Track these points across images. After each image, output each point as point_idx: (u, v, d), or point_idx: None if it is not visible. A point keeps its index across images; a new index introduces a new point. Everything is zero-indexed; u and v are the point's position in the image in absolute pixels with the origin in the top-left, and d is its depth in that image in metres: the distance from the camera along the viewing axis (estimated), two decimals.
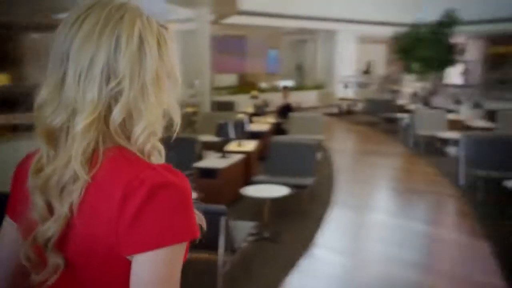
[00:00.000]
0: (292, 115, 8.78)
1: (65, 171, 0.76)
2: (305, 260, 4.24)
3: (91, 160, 0.77)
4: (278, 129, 8.75)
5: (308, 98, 14.57)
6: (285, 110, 9.35)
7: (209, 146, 6.47)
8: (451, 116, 9.80)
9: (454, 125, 9.41)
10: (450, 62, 13.71)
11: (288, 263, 4.12)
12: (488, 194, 5.85)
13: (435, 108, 11.24)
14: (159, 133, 0.82)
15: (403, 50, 13.88)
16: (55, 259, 0.76)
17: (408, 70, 14.38)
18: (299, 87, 16.14)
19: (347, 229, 5.34)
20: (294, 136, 7.92)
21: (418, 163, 8.26)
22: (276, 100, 10.41)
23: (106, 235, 0.73)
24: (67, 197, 0.76)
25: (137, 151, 0.79)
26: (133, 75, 0.77)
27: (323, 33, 17.16)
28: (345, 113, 14.83)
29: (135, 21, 0.79)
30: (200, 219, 0.81)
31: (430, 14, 13.52)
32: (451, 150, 7.48)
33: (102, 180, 0.75)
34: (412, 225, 5.25)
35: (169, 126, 0.85)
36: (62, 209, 0.75)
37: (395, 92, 15.99)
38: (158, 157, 0.83)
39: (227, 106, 10.28)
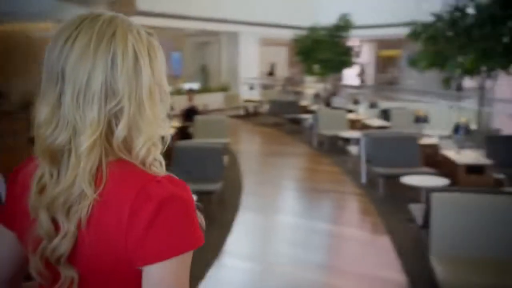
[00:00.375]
0: (197, 118, 8.57)
1: (71, 191, 0.77)
2: (214, 269, 4.08)
3: (95, 177, 0.78)
4: (183, 133, 8.49)
5: (213, 100, 14.43)
6: (190, 113, 9.11)
7: None
8: (351, 116, 10.23)
9: (354, 124, 9.83)
10: (347, 64, 14.36)
11: (196, 274, 3.92)
12: (387, 190, 6.13)
13: (336, 108, 11.69)
14: (159, 145, 0.84)
15: (303, 53, 14.29)
16: (68, 273, 0.79)
17: (309, 71, 14.83)
18: (204, 90, 15.95)
19: (255, 233, 5.27)
20: (199, 140, 7.72)
21: (322, 163, 8.49)
22: (180, 103, 10.13)
23: (115, 249, 0.76)
24: (74, 214, 0.77)
25: (139, 163, 0.81)
26: (131, 92, 0.79)
27: (226, 35, 17.15)
28: (251, 115, 14.93)
29: (127, 36, 0.80)
30: (201, 221, 0.86)
31: (327, 18, 14.13)
32: (353, 149, 7.78)
33: (109, 196, 0.77)
34: (317, 225, 5.33)
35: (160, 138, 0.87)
36: (69, 226, 0.77)
37: (298, 93, 16.43)
38: (160, 168, 0.83)
39: None
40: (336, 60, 13.96)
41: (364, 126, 9.44)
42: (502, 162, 5.91)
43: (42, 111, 0.80)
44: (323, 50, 13.77)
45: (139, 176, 0.79)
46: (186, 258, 0.78)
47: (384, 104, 11.18)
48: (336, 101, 13.40)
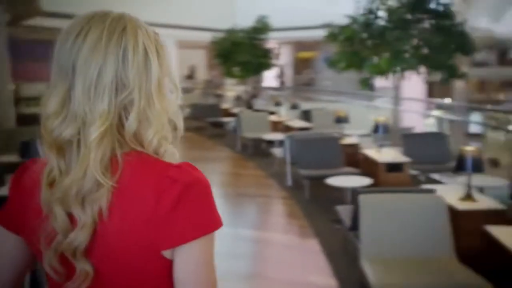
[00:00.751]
0: None
1: (83, 182, 0.78)
2: None
3: (110, 166, 0.79)
4: None
5: None
6: None
7: (13, 169, 5.42)
8: (273, 118, 10.23)
9: (277, 126, 9.84)
10: (267, 66, 14.46)
11: None
12: (313, 192, 6.13)
13: (258, 110, 11.67)
14: (170, 137, 0.86)
15: (222, 55, 14.17)
16: (84, 267, 0.79)
17: (228, 74, 14.74)
18: None
19: None
20: None
21: (247, 167, 8.37)
22: None
23: (140, 234, 0.78)
24: (90, 205, 0.78)
25: (153, 154, 0.83)
26: (141, 86, 0.81)
27: None
28: None
29: (137, 31, 0.83)
30: None
31: (245, 21, 14.12)
32: (277, 151, 7.74)
33: (128, 183, 0.79)
34: (243, 232, 5.17)
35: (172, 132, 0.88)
36: (86, 218, 0.78)
37: (219, 96, 16.27)
38: (172, 160, 0.85)
39: (37, 120, 8.98)
40: (256, 62, 14.00)
41: (286, 128, 9.47)
42: (418, 159, 6.15)
43: (51, 103, 0.81)
44: (242, 52, 13.75)
45: (157, 163, 0.82)
46: (210, 240, 0.82)
47: (305, 105, 11.34)
48: (258, 103, 13.42)
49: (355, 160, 6.68)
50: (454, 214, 3.66)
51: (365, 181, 5.37)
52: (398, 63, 7.24)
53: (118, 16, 0.84)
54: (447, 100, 11.48)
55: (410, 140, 6.71)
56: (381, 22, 7.52)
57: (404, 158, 6.09)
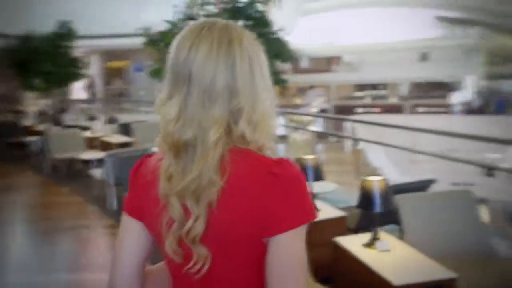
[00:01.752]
0: None
1: (201, 180, 0.89)
2: None
3: (221, 166, 0.89)
4: None
5: None
6: None
7: None
8: (87, 134, 9.11)
9: (93, 143, 8.77)
10: (74, 76, 13.14)
11: None
12: None
13: (69, 126, 10.32)
14: (273, 135, 0.97)
15: (19, 65, 12.34)
16: (201, 251, 0.91)
17: (28, 86, 12.92)
18: None
19: None
20: None
21: (60, 193, 7.14)
22: None
23: (245, 224, 0.89)
24: (203, 200, 0.89)
25: (257, 151, 0.93)
26: (248, 92, 0.91)
27: None
28: None
29: (242, 40, 0.93)
30: None
31: (44, 26, 12.53)
32: (96, 172, 6.74)
33: (236, 180, 0.89)
34: (56, 278, 4.20)
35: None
36: (199, 211, 0.89)
37: (18, 112, 14.10)
38: (274, 156, 0.94)
39: None
40: (61, 73, 12.57)
41: (104, 144, 8.47)
42: None
43: (171, 110, 0.91)
44: (43, 61, 12.20)
45: (261, 160, 0.91)
46: (303, 232, 0.91)
47: (123, 118, 10.44)
48: (67, 118, 11.94)
49: None
50: None
51: None
52: None
53: (224, 26, 0.93)
54: None
55: None
56: None
57: None
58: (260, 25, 7.23)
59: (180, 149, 0.92)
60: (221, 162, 0.90)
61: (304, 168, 3.84)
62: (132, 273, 1.04)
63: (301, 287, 0.90)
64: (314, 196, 3.87)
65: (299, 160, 3.93)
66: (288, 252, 0.90)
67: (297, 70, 22.74)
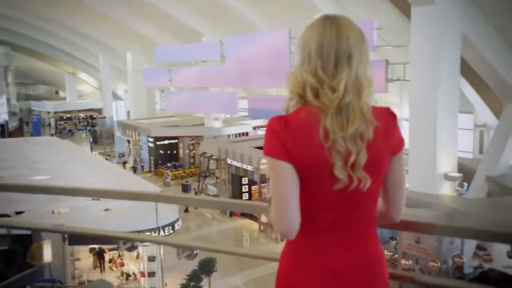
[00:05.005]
0: None
1: (361, 126, 1.45)
2: None
3: (369, 115, 1.49)
4: None
5: None
6: None
7: None
8: None
9: None
10: None
11: None
12: None
13: None
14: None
15: None
16: (363, 174, 1.46)
17: None
18: None
19: None
20: None
21: None
22: None
23: (387, 150, 1.53)
24: (364, 139, 1.46)
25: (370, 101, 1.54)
26: (366, 63, 1.51)
27: None
28: None
29: (353, 25, 1.51)
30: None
31: None
32: None
33: (377, 122, 1.49)
34: None
35: None
36: (361, 147, 1.45)
37: None
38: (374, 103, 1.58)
39: None
40: None
41: None
42: None
43: (341, 83, 1.44)
44: None
45: (381, 109, 1.56)
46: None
47: None
48: None
49: None
50: None
51: None
52: None
53: (342, 16, 1.52)
54: None
55: None
56: None
57: None
58: None
59: (341, 109, 1.44)
60: (369, 112, 1.47)
61: None
62: (298, 217, 1.49)
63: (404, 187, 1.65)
64: None
65: None
66: (401, 164, 1.58)
67: None
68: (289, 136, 1.45)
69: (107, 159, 32.04)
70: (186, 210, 21.11)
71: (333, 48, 1.46)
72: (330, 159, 1.44)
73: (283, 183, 1.45)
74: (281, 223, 1.47)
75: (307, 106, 1.48)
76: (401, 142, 1.56)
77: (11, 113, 43.77)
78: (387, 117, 1.54)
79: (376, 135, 1.47)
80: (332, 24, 1.48)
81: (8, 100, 43.26)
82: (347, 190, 1.46)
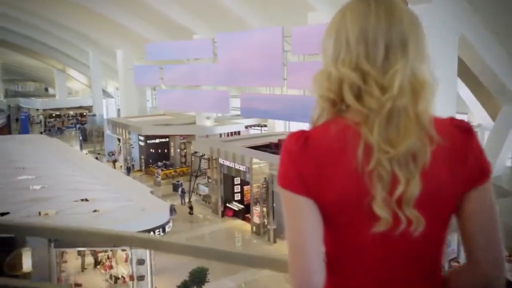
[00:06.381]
0: None
1: (416, 143, 0.97)
2: None
3: (429, 129, 1.00)
4: None
5: None
6: None
7: None
8: None
9: None
10: None
11: None
12: None
13: None
14: None
15: None
16: (416, 215, 0.98)
17: None
18: None
19: None
20: None
21: None
22: None
23: (451, 181, 1.01)
24: (419, 162, 0.97)
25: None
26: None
27: None
28: None
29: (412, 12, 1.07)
30: None
31: None
32: None
33: (444, 142, 0.99)
34: None
35: None
36: (413, 173, 0.97)
37: None
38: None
39: None
40: None
41: None
42: None
43: (395, 78, 0.98)
44: None
45: (450, 120, 1.06)
46: (491, 185, 1.07)
47: None
48: None
49: None
50: None
51: None
52: None
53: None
54: None
55: None
56: None
57: None
58: None
59: (392, 115, 0.97)
60: (430, 124, 0.99)
61: None
62: (321, 271, 1.05)
63: (499, 231, 1.03)
64: None
65: None
66: (487, 200, 1.03)
67: None
68: (309, 160, 1.03)
69: (97, 158, 31.53)
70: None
71: (382, 33, 1.01)
72: (369, 190, 1.00)
73: (301, 225, 1.04)
74: (298, 279, 1.04)
75: (341, 118, 1.06)
76: (484, 170, 1.05)
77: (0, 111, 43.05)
78: (458, 133, 1.04)
79: (437, 158, 1.00)
80: (378, 3, 1.04)
81: None
82: (392, 234, 1.01)
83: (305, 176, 1.04)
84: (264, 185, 18.59)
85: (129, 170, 29.21)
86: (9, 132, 40.01)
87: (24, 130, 42.89)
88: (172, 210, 19.16)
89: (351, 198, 1.01)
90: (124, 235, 2.07)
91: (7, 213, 12.50)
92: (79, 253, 15.06)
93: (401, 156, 0.98)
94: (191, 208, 21.43)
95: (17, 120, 48.76)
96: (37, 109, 52.14)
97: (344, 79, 1.02)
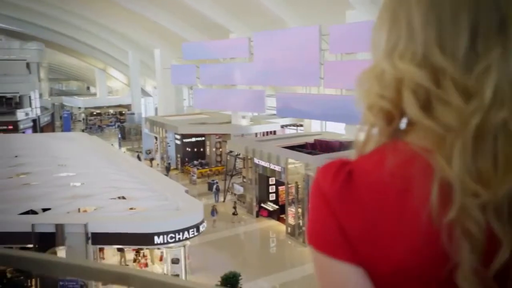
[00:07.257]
0: None
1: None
2: None
3: None
4: None
5: None
6: None
7: None
8: None
9: None
10: None
11: None
12: None
13: None
14: None
15: None
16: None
17: None
18: None
19: None
20: None
21: None
22: None
23: None
24: None
25: None
26: None
27: None
28: None
29: None
30: None
31: None
32: None
33: None
34: None
35: None
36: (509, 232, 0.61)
37: None
38: None
39: None
40: None
41: None
42: None
43: (487, 78, 0.61)
44: None
45: None
46: None
47: None
48: None
49: None
50: None
51: None
52: None
53: None
54: None
55: None
56: None
57: None
58: None
59: (482, 138, 0.61)
60: None
61: None
62: None
63: None
64: None
65: None
66: None
67: None
68: (356, 208, 0.69)
69: (138, 156, 32.12)
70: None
71: (464, 8, 0.64)
72: (449, 253, 0.64)
73: None
74: None
75: (401, 142, 0.71)
76: None
77: (43, 108, 44.73)
78: None
79: None
80: None
81: (41, 95, 44.20)
82: None
83: (349, 232, 0.70)
84: (299, 186, 18.39)
85: (168, 169, 29.59)
86: (53, 130, 41.39)
87: (67, 127, 44.28)
88: (214, 210, 19.31)
89: (420, 266, 0.66)
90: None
91: (48, 209, 12.82)
92: (118, 250, 15.33)
93: (501, 201, 0.61)
94: (235, 208, 21.47)
95: (60, 117, 50.46)
96: (79, 107, 53.75)
97: (405, 81, 0.67)
